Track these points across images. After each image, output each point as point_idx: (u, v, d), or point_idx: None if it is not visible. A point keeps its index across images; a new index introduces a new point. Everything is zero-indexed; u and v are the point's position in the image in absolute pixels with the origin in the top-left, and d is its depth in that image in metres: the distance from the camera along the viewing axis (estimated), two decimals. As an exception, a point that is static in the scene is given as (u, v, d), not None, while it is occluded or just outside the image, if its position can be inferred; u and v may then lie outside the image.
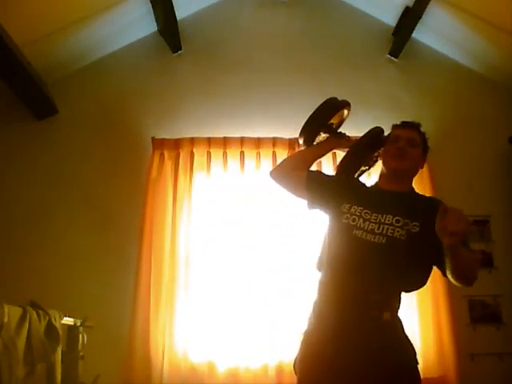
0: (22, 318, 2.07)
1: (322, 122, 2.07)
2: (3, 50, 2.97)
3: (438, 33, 3.78)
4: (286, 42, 3.91)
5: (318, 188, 1.98)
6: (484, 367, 3.18)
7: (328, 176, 2.10)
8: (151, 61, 3.87)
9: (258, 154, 3.53)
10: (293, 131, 3.54)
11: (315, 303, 1.85)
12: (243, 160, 3.52)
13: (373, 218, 1.80)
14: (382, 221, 1.78)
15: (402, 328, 1.79)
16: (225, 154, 3.52)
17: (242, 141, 3.55)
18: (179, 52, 3.84)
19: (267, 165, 3.50)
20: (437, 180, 3.45)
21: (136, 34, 3.83)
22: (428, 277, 1.83)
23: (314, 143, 2.12)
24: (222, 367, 3.17)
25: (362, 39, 3.91)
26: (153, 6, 3.56)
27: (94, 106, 3.73)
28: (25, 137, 3.64)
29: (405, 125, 1.97)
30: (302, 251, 3.32)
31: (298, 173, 2.02)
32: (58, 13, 3.23)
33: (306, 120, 2.10)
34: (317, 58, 3.85)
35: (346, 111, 2.12)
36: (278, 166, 2.17)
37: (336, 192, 1.95)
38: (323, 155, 2.16)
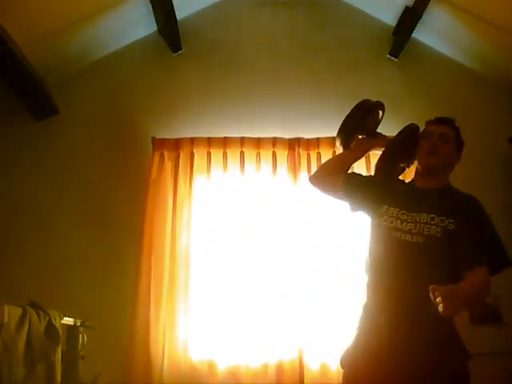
0: (22, 318, 2.07)
1: (356, 124, 2.10)
2: (3, 50, 2.97)
3: (438, 33, 3.78)
4: (286, 42, 3.90)
5: (356, 191, 2.02)
6: (484, 367, 3.17)
7: (365, 178, 2.13)
8: (151, 61, 3.87)
9: (258, 154, 3.53)
10: (293, 131, 3.59)
11: (365, 306, 1.90)
12: (243, 160, 3.52)
13: (409, 218, 1.84)
14: (418, 220, 1.83)
15: (453, 324, 1.84)
16: (225, 154, 3.52)
17: (242, 141, 3.55)
18: (179, 52, 3.84)
19: (267, 165, 3.51)
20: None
21: (136, 33, 3.83)
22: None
23: (352, 145, 2.14)
24: (222, 366, 3.18)
25: (362, 39, 3.91)
26: (153, 6, 3.56)
27: (95, 107, 3.74)
28: (25, 137, 3.64)
29: (438, 120, 2.01)
30: (302, 252, 3.32)
31: (335, 177, 2.06)
32: (58, 13, 3.23)
33: (341, 123, 2.12)
34: (317, 58, 3.85)
35: (380, 112, 2.15)
36: (316, 171, 2.22)
37: (373, 194, 1.99)
38: (360, 157, 2.20)
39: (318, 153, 3.51)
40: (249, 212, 3.45)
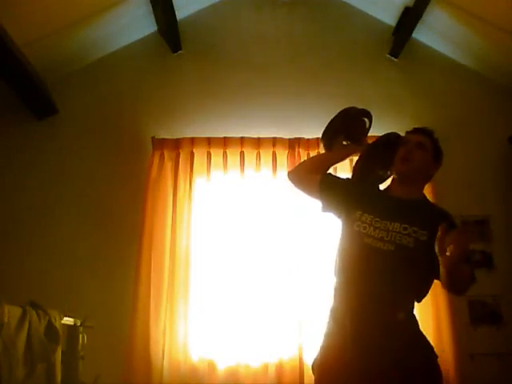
0: (22, 317, 2.07)
1: (336, 129, 2.11)
2: (3, 50, 2.97)
3: (438, 33, 3.78)
4: (286, 42, 3.91)
5: (330, 192, 2.02)
6: (484, 367, 3.18)
7: (342, 180, 2.13)
8: (151, 61, 3.87)
9: (258, 154, 3.53)
10: (293, 131, 3.59)
11: (332, 309, 1.90)
12: (243, 160, 3.52)
13: (382, 225, 1.85)
14: (391, 228, 1.83)
15: (417, 326, 1.85)
16: (225, 154, 3.52)
17: (242, 141, 3.55)
18: (179, 52, 3.85)
19: (267, 165, 3.51)
20: (437, 180, 3.42)
21: (136, 33, 3.83)
22: (430, 286, 1.89)
23: (334, 148, 2.16)
24: (222, 366, 3.18)
25: (362, 39, 3.91)
26: (153, 6, 3.56)
27: (94, 106, 3.74)
28: (25, 137, 3.64)
29: (415, 130, 2.03)
30: (302, 252, 3.32)
31: (313, 176, 2.07)
32: (58, 13, 3.23)
33: (324, 128, 2.15)
34: (317, 58, 3.85)
35: (366, 120, 2.14)
36: (296, 167, 2.24)
37: (348, 198, 1.99)
38: (340, 160, 2.21)
39: (318, 153, 3.50)
40: (249, 212, 3.45)
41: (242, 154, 3.53)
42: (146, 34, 3.87)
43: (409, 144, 1.96)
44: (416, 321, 1.86)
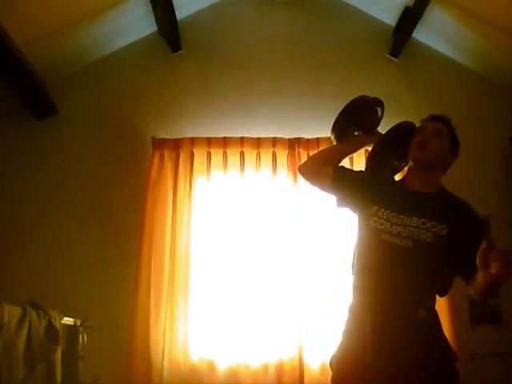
0: (22, 318, 2.08)
1: (350, 118, 2.05)
2: (3, 50, 2.97)
3: (438, 33, 3.78)
4: (286, 42, 3.91)
5: (345, 186, 1.96)
6: (484, 367, 3.18)
7: (356, 173, 2.06)
8: (151, 61, 3.87)
9: (258, 154, 3.53)
10: (293, 131, 3.59)
11: (351, 306, 1.87)
12: (243, 160, 3.52)
13: (399, 220, 1.79)
14: (408, 223, 1.78)
15: (438, 324, 1.81)
16: (225, 154, 3.52)
17: (242, 141, 3.55)
18: (179, 52, 3.84)
19: (267, 165, 3.51)
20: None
21: (136, 33, 3.83)
22: (452, 281, 1.84)
23: (345, 139, 2.08)
24: (222, 366, 3.18)
25: (362, 39, 3.91)
26: (153, 6, 3.56)
27: (94, 106, 3.74)
28: (25, 137, 3.64)
29: (432, 117, 1.96)
30: (302, 252, 3.32)
31: (324, 169, 2.00)
32: (58, 13, 3.23)
33: (335, 118, 2.09)
34: (317, 58, 3.85)
35: (378, 109, 2.09)
36: (307, 161, 2.16)
37: (363, 191, 1.93)
38: (353, 152, 2.14)
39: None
40: (249, 212, 3.45)
41: (242, 154, 3.53)
42: (146, 33, 3.87)
43: (425, 131, 1.89)
44: (436, 318, 1.82)
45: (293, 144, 3.54)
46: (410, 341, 1.71)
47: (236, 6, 3.95)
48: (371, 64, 3.86)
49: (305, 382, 3.11)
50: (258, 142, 3.54)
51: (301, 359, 3.14)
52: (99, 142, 3.66)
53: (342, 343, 1.86)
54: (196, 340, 3.23)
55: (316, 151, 3.49)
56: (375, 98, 2.09)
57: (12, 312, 2.00)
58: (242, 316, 3.26)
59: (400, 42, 3.77)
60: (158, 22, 3.73)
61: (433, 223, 1.76)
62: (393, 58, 3.83)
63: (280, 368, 3.15)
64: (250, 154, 3.53)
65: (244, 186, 3.50)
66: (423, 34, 3.80)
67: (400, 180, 1.99)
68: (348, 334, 1.84)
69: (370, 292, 1.80)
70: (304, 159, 3.50)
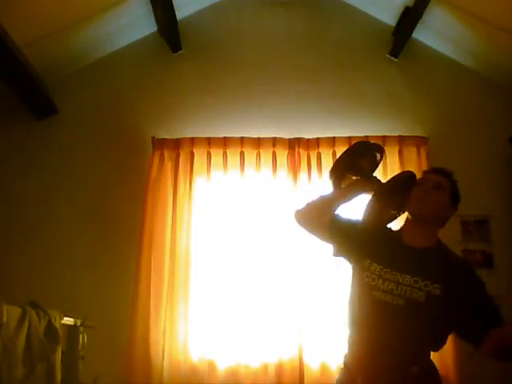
0: (22, 318, 2.07)
1: (348, 165, 2.00)
2: (3, 50, 2.97)
3: (438, 33, 3.77)
4: (285, 42, 3.90)
5: (340, 237, 1.95)
6: (484, 367, 3.17)
7: (352, 223, 2.00)
8: (151, 61, 3.87)
9: (258, 154, 3.53)
10: (293, 131, 3.59)
11: (345, 360, 1.87)
12: (243, 160, 3.52)
13: (392, 277, 1.76)
14: (401, 281, 1.74)
15: (435, 378, 1.78)
16: (225, 154, 3.52)
17: (242, 141, 3.55)
18: (179, 52, 3.84)
19: (267, 165, 3.51)
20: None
21: (136, 33, 3.83)
22: (447, 337, 1.82)
23: (343, 185, 2.04)
24: (222, 366, 3.18)
25: (362, 39, 3.91)
26: (153, 6, 3.56)
27: (94, 106, 3.74)
28: (25, 137, 3.64)
29: (434, 170, 1.93)
30: (302, 252, 3.32)
31: (321, 218, 1.97)
32: (58, 13, 3.23)
33: (334, 162, 2.07)
34: (317, 58, 3.84)
35: (378, 155, 2.05)
36: (303, 208, 2.07)
37: (358, 243, 1.91)
38: (350, 199, 2.05)
39: (318, 153, 3.51)
40: (249, 212, 3.45)
41: (242, 154, 3.53)
42: (146, 33, 3.87)
43: (426, 184, 1.85)
44: (433, 372, 1.79)
45: (293, 144, 3.54)
46: None
47: (236, 6, 3.95)
48: (371, 64, 3.86)
49: (305, 382, 3.11)
50: (257, 142, 3.54)
51: (301, 359, 3.14)
52: (99, 142, 3.66)
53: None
54: (196, 340, 3.23)
55: (316, 151, 3.51)
56: (376, 144, 2.07)
57: (11, 312, 2.00)
58: (241, 316, 3.26)
59: (400, 41, 3.77)
60: (158, 21, 3.73)
61: (426, 282, 1.71)
62: (393, 57, 3.83)
63: (280, 368, 3.15)
64: (249, 154, 3.53)
65: (244, 186, 3.50)
66: (423, 34, 3.79)
67: (396, 231, 1.95)
68: (343, 380, 1.84)
69: (362, 350, 1.79)
70: (304, 159, 3.51)
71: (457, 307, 1.70)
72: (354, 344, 1.83)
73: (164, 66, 3.84)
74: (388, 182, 2.00)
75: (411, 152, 3.49)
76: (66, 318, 2.42)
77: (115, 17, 3.55)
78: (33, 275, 3.32)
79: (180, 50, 3.84)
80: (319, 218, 1.97)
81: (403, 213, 1.99)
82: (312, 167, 3.49)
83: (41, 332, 2.17)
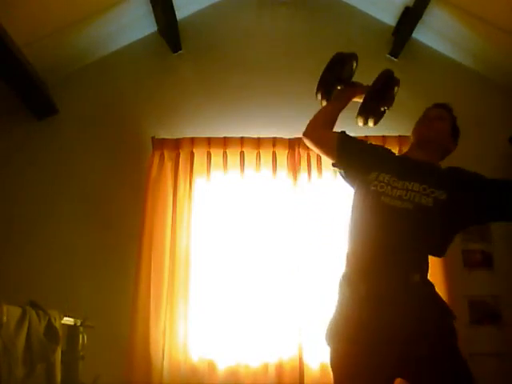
0: (22, 318, 2.07)
1: (335, 76, 2.15)
2: (3, 51, 2.97)
3: (438, 33, 3.78)
4: (285, 42, 3.91)
5: (348, 152, 2.02)
6: (484, 367, 3.17)
7: (358, 142, 2.10)
8: (151, 61, 3.87)
9: (258, 153, 3.53)
10: (293, 131, 3.58)
11: (344, 275, 1.86)
12: (243, 160, 3.52)
13: (400, 184, 1.83)
14: (410, 188, 1.81)
15: (433, 288, 1.82)
16: (225, 154, 3.52)
17: (242, 141, 3.55)
18: (179, 52, 3.85)
19: (267, 165, 3.51)
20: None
21: (136, 33, 3.83)
22: (448, 246, 1.88)
23: (333, 97, 2.18)
24: (222, 366, 3.18)
25: (362, 39, 3.91)
26: (153, 6, 3.56)
27: (94, 106, 3.74)
28: (25, 137, 3.64)
29: (436, 104, 2.10)
30: (302, 252, 3.32)
31: (328, 133, 2.08)
32: (58, 13, 3.23)
33: (320, 77, 2.17)
34: (317, 58, 3.79)
35: (354, 63, 2.22)
36: (308, 127, 2.18)
37: (365, 159, 1.99)
38: (345, 106, 2.18)
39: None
40: (249, 212, 3.45)
41: (242, 154, 3.53)
42: (146, 33, 3.87)
43: (430, 114, 2.04)
44: (431, 283, 1.82)
45: (293, 144, 3.54)
46: (408, 305, 1.71)
47: (236, 6, 3.96)
48: (371, 64, 3.82)
49: (305, 382, 3.11)
50: (257, 142, 3.54)
51: (301, 359, 3.14)
52: (99, 142, 3.66)
53: (337, 313, 1.84)
54: (196, 340, 3.23)
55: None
56: (352, 53, 2.21)
57: (11, 312, 2.00)
58: (241, 316, 3.26)
59: (400, 41, 3.77)
60: (158, 21, 3.74)
61: (432, 189, 1.80)
62: (393, 58, 3.83)
63: (280, 368, 3.15)
64: (249, 154, 3.53)
65: (244, 186, 3.50)
66: (423, 34, 3.80)
67: (401, 154, 2.08)
68: (342, 302, 1.83)
69: (364, 257, 1.80)
70: (304, 159, 3.51)
71: (461, 210, 1.80)
72: (356, 254, 1.84)
73: (164, 65, 3.84)
74: (374, 83, 2.13)
75: (411, 152, 3.50)
76: (65, 318, 2.42)
77: (115, 17, 3.55)
78: (33, 275, 3.32)
79: (180, 49, 3.84)
80: (327, 134, 2.09)
81: (390, 107, 2.16)
82: (312, 167, 3.49)
83: (41, 332, 2.17)
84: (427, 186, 1.81)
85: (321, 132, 2.11)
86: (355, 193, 1.97)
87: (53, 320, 2.27)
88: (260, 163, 3.52)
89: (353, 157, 2.01)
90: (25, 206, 3.51)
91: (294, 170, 3.49)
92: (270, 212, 3.44)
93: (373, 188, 1.86)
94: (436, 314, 1.75)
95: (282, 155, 3.54)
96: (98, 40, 3.69)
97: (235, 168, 3.51)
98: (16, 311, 2.06)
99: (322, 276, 3.30)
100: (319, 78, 2.17)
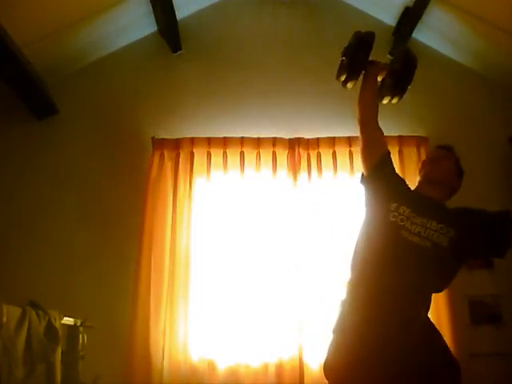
0: (22, 318, 2.08)
1: (368, 55, 2.16)
2: (3, 51, 2.97)
3: (438, 33, 3.78)
4: (286, 42, 3.90)
5: (380, 174, 2.01)
6: (484, 367, 3.18)
7: (393, 168, 2.09)
8: (151, 61, 3.87)
9: (258, 153, 3.53)
10: (293, 131, 3.59)
11: (345, 303, 1.86)
12: (243, 160, 3.52)
13: (419, 221, 1.86)
14: (428, 226, 1.85)
15: (433, 325, 1.87)
16: (225, 154, 3.52)
17: (242, 141, 3.55)
18: (179, 52, 3.85)
19: (267, 165, 3.51)
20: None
21: (136, 33, 3.83)
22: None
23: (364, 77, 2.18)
24: (222, 366, 3.18)
25: (362, 39, 3.91)
26: (153, 6, 3.56)
27: (94, 106, 3.74)
28: (25, 137, 3.64)
29: (438, 146, 2.16)
30: (302, 252, 3.32)
31: (379, 144, 2.06)
32: (59, 13, 3.23)
33: (350, 59, 2.17)
34: (317, 58, 3.84)
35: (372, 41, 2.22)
36: (362, 116, 2.15)
37: (391, 188, 2.00)
38: (376, 87, 2.20)
39: (318, 153, 3.51)
40: (249, 212, 3.45)
41: (242, 154, 3.53)
42: (146, 34, 3.87)
43: (435, 155, 2.10)
44: (430, 320, 1.87)
45: (293, 144, 3.54)
46: (412, 337, 1.72)
47: (236, 6, 3.96)
48: (371, 64, 3.85)
49: (305, 381, 3.11)
50: (257, 142, 3.54)
51: (301, 359, 3.14)
52: (99, 142, 3.66)
53: (336, 343, 1.84)
54: (196, 340, 3.23)
55: (316, 151, 3.51)
56: (371, 32, 2.21)
57: (11, 312, 2.00)
58: (241, 316, 3.26)
59: (400, 41, 3.77)
60: (158, 21, 3.74)
61: (448, 229, 1.85)
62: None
63: (280, 368, 3.15)
64: (250, 154, 3.53)
65: (244, 185, 3.50)
66: (423, 34, 3.80)
67: (413, 190, 2.08)
68: (342, 333, 1.83)
69: (372, 288, 1.80)
70: (304, 159, 3.51)
71: (471, 247, 1.87)
72: (362, 284, 1.84)
73: (164, 65, 3.84)
74: (393, 60, 2.17)
75: (411, 152, 3.50)
76: (65, 318, 2.43)
77: (115, 17, 3.55)
78: (33, 275, 3.32)
79: (180, 49, 3.84)
80: (377, 133, 2.07)
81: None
82: (312, 167, 3.49)
83: (41, 332, 2.17)
84: (444, 224, 1.85)
85: (374, 134, 2.08)
86: (369, 218, 1.97)
87: (53, 320, 2.28)
88: (260, 163, 3.52)
89: (382, 181, 2.01)
90: (25, 206, 3.51)
91: (294, 169, 3.49)
92: (270, 212, 3.44)
93: (392, 219, 1.87)
94: (439, 353, 1.79)
95: (282, 155, 3.54)
96: (98, 40, 3.69)
97: (235, 168, 3.51)
98: (16, 311, 2.06)
99: (322, 276, 3.30)
100: (345, 59, 2.17)
